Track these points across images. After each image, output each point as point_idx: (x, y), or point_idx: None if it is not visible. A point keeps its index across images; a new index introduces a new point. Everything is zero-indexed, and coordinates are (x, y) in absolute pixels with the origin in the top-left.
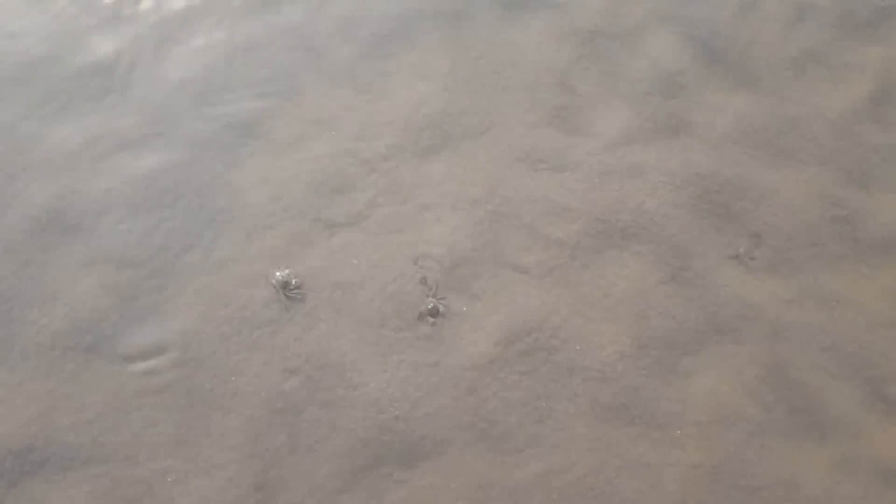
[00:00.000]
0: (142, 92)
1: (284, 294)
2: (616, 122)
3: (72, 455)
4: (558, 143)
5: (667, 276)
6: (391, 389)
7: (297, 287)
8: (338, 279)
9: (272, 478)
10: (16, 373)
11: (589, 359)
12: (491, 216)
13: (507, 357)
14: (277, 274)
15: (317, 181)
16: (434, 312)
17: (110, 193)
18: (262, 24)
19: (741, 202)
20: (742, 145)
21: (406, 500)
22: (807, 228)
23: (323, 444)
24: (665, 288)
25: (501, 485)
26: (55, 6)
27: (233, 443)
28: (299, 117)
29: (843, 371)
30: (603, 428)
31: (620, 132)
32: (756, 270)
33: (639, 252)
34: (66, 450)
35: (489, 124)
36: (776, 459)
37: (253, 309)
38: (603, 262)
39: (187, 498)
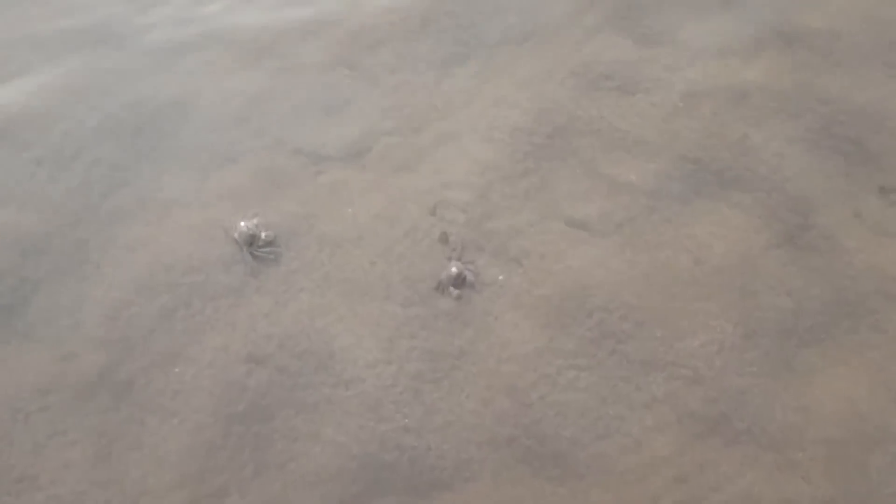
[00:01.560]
0: None
1: (251, 253)
2: (708, 26)
3: None
4: (628, 54)
5: (780, 236)
6: (398, 389)
7: (269, 243)
8: (325, 233)
9: None
10: None
11: (674, 350)
12: (537, 151)
13: (559, 346)
14: (242, 224)
15: (299, 99)
16: (458, 281)
17: (7, 110)
18: None
19: (878, 138)
20: (878, 61)
21: None
22: None
23: (301, 463)
24: (778, 253)
25: None
26: None
27: (174, 460)
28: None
29: None
30: (694, 447)
31: (714, 40)
32: None
33: (741, 203)
34: None
35: (534, 26)
36: None
37: (206, 273)
38: (692, 216)
39: None
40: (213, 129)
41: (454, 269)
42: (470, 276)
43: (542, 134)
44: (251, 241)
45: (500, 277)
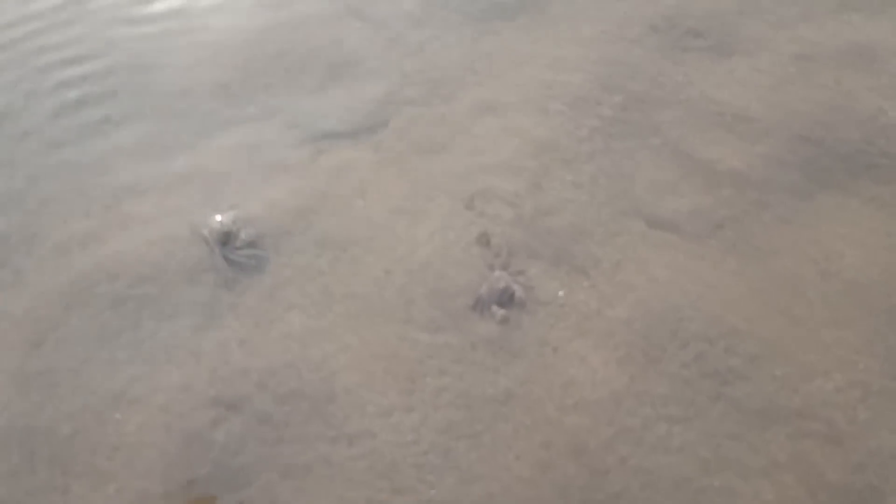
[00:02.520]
0: None
1: (224, 256)
2: None
3: None
4: (724, 4)
5: None
6: (421, 447)
7: (250, 244)
8: (326, 233)
9: None
10: None
11: (800, 395)
12: (607, 126)
13: (644, 388)
14: (215, 219)
15: (296, 58)
16: (504, 298)
17: None
18: None
19: None
20: None
21: None
22: None
23: None
24: None
25: None
26: None
27: None
28: None
29: None
30: None
31: None
32: None
33: (878, 198)
34: None
35: None
36: None
37: (163, 283)
38: (815, 215)
39: None
40: (182, 94)
41: (499, 282)
42: (519, 292)
43: (613, 105)
44: (226, 240)
45: (561, 293)
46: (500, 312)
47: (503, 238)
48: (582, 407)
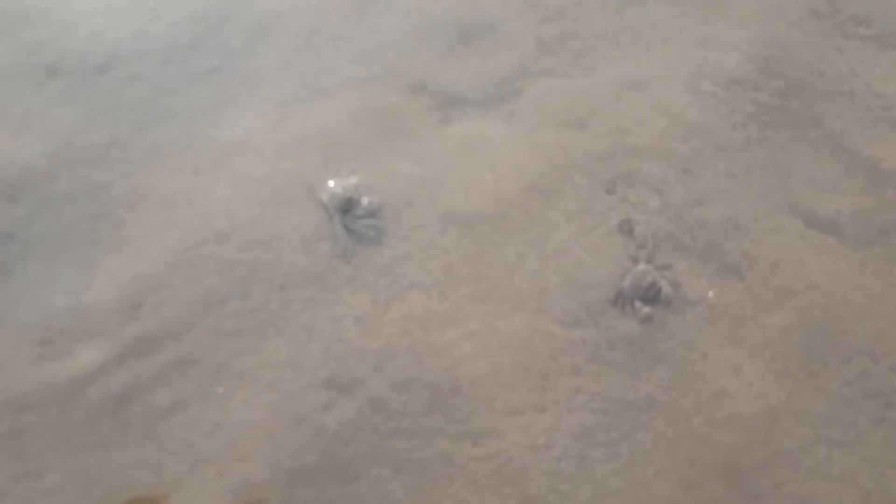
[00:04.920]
0: None
1: (344, 225)
2: None
3: None
4: None
5: None
6: (554, 453)
7: (371, 214)
8: (452, 207)
9: None
10: None
11: None
12: (763, 113)
13: (803, 406)
14: (333, 184)
15: (425, 17)
16: (649, 294)
17: None
18: None
19: None
20: None
21: None
22: None
23: None
24: None
25: None
26: None
27: None
28: None
29: None
30: None
31: None
32: None
33: None
34: None
35: None
36: None
37: (277, 249)
38: None
39: None
40: (300, 49)
41: (645, 276)
42: (666, 288)
43: (771, 91)
44: (346, 207)
45: (711, 294)
46: (643, 310)
47: (648, 228)
48: (734, 422)
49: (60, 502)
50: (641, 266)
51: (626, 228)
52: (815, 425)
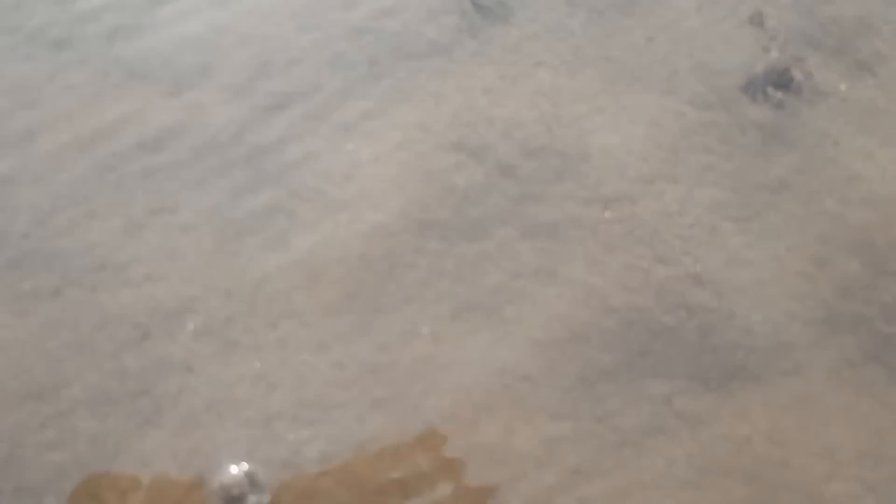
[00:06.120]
0: None
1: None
2: None
3: None
4: None
5: None
6: (686, 220)
7: None
8: None
9: None
10: None
11: None
12: None
13: None
14: None
15: None
16: (783, 80)
17: None
18: None
19: None
20: None
21: None
22: None
23: (534, 310)
24: None
25: None
26: None
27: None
28: None
29: None
30: None
31: None
32: None
33: None
34: None
35: None
36: None
37: (405, 20)
38: None
39: None
40: None
41: (778, 63)
42: (798, 76)
43: None
44: None
45: (843, 87)
46: (776, 95)
47: (780, 21)
48: (869, 202)
49: (196, 237)
50: (774, 54)
51: (758, 20)
52: None
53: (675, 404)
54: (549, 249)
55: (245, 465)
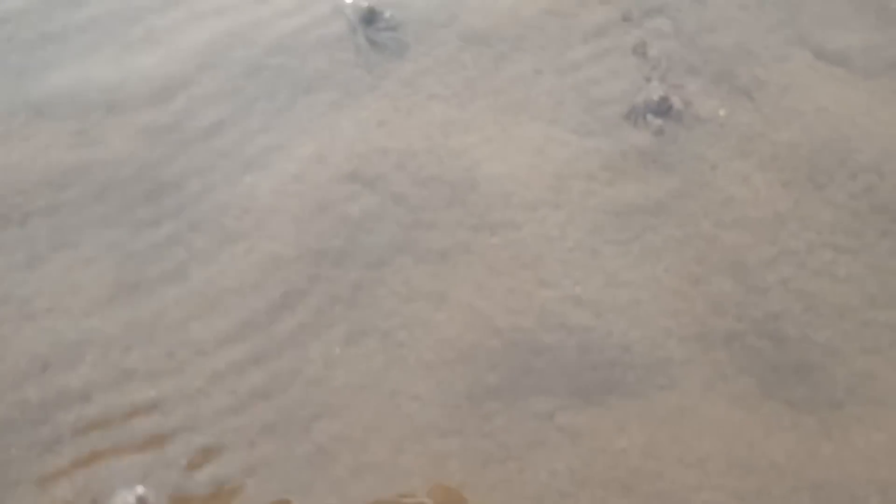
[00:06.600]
0: None
1: (366, 36)
2: None
3: None
4: None
5: None
6: (567, 244)
7: (392, 28)
8: (473, 27)
9: None
10: None
11: None
12: None
13: (809, 213)
14: None
15: None
16: (661, 109)
17: None
18: None
19: None
20: None
21: None
22: None
23: (415, 334)
24: None
25: None
26: None
27: (231, 305)
28: None
29: None
30: None
31: None
32: None
33: None
34: None
35: None
36: None
37: (302, 55)
38: None
39: None
40: None
41: (656, 91)
42: (678, 104)
43: None
44: (369, 19)
45: (721, 112)
46: (655, 122)
47: (662, 51)
48: (742, 224)
49: (97, 270)
50: (654, 83)
51: (641, 50)
52: (821, 231)
53: (557, 419)
54: (439, 274)
55: (139, 489)
